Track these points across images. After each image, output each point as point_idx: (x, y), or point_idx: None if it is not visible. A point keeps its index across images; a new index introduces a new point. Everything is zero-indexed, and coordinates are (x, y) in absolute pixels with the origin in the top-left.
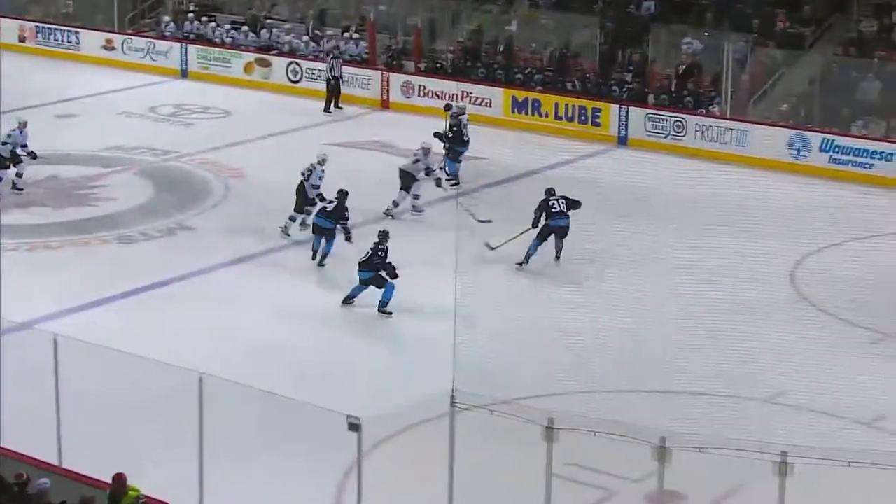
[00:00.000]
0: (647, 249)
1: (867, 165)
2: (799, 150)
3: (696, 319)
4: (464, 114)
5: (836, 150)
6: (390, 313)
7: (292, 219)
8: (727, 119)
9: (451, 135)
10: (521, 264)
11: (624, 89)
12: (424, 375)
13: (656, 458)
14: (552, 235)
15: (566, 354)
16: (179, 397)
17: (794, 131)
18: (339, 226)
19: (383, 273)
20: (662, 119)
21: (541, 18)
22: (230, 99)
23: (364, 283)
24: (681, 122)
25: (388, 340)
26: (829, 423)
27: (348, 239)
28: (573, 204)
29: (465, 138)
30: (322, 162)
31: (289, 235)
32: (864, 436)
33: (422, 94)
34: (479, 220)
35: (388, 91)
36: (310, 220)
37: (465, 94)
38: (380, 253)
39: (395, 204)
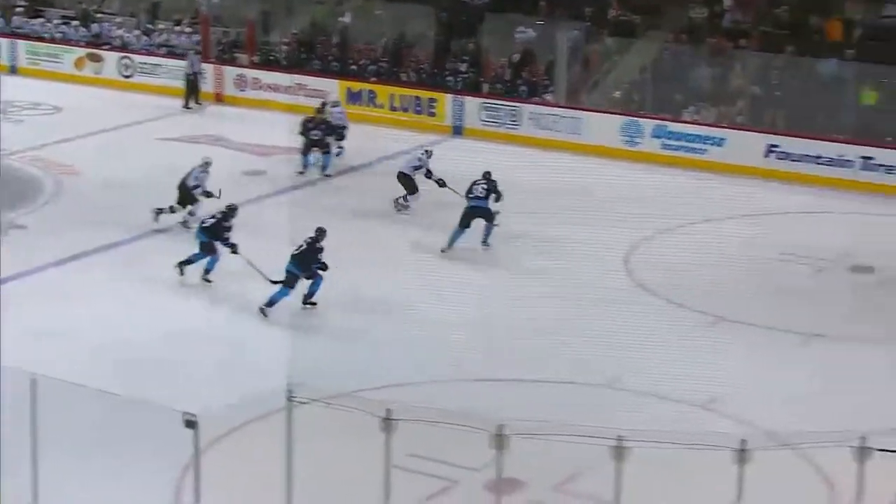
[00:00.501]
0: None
1: (700, 151)
2: (632, 137)
3: (534, 306)
4: (336, 106)
5: (669, 136)
6: (314, 304)
7: (172, 209)
8: (561, 107)
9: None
10: (443, 250)
11: (458, 79)
12: (265, 370)
13: (494, 446)
14: (473, 220)
15: (408, 345)
16: (11, 400)
17: (627, 118)
18: (219, 242)
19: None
20: (497, 108)
21: (375, 10)
22: (61, 95)
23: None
24: (515, 110)
25: (228, 336)
26: (665, 407)
27: (234, 251)
28: (497, 195)
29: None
30: (206, 164)
31: (156, 222)
32: (699, 418)
33: (256, 87)
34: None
35: (221, 84)
36: (193, 221)
37: (299, 86)
38: (313, 250)
39: (405, 206)
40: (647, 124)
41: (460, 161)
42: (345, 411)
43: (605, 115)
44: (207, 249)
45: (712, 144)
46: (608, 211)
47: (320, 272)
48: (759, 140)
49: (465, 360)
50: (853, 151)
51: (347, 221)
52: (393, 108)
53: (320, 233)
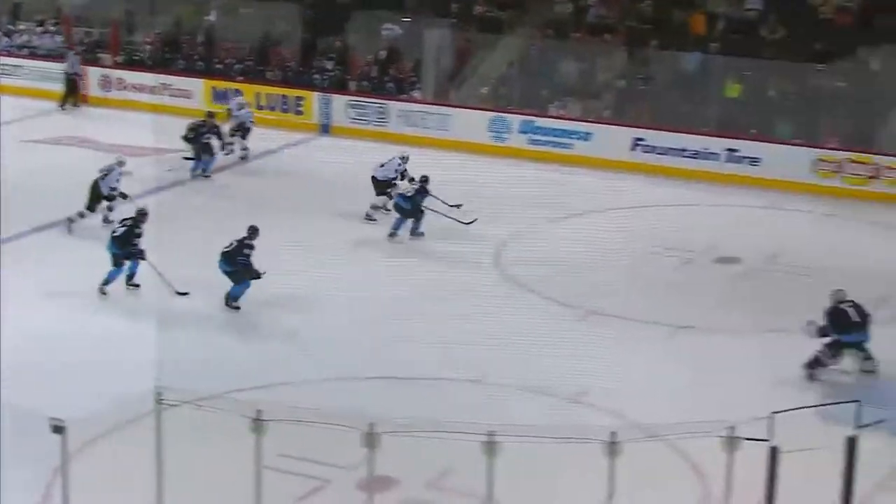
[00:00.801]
0: (359, 236)
1: (566, 146)
2: (500, 133)
3: (405, 303)
4: (243, 108)
5: (536, 131)
6: (237, 308)
7: (81, 215)
8: (429, 104)
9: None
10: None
11: (325, 77)
12: (134, 373)
13: (366, 445)
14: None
15: (280, 345)
16: None
17: (494, 114)
18: (129, 250)
19: (243, 270)
20: (365, 106)
21: (240, 8)
22: None
23: (226, 275)
24: (383, 108)
25: (97, 338)
26: (536, 401)
27: (141, 258)
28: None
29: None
30: (121, 164)
31: (70, 231)
32: (570, 412)
33: (120, 87)
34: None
35: (86, 85)
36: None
37: (164, 86)
38: (245, 250)
39: (376, 207)
40: (515, 120)
41: (328, 160)
42: (215, 413)
43: (473, 111)
44: (121, 262)
45: (579, 139)
46: (477, 207)
47: (251, 279)
48: (625, 134)
49: (337, 359)
50: (718, 144)
51: (219, 222)
52: (259, 107)
53: (252, 231)
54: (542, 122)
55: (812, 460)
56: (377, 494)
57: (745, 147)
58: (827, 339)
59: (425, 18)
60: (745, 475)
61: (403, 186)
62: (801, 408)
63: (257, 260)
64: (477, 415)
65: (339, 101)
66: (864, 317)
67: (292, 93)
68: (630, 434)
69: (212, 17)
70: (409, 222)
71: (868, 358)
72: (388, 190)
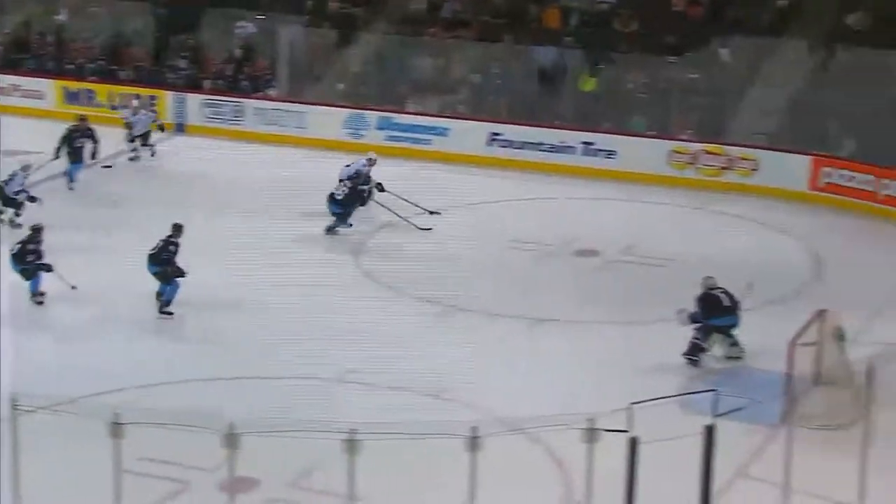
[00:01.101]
0: (212, 235)
1: (424, 142)
2: (357, 130)
3: (263, 301)
4: (137, 113)
5: (393, 127)
6: (171, 314)
7: None
8: (285, 101)
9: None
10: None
11: (179, 75)
12: None
13: (226, 446)
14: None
15: (138, 347)
16: None
17: (351, 111)
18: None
19: (170, 269)
20: (220, 104)
21: (90, 7)
22: None
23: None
24: (239, 106)
25: None
26: (396, 398)
27: (47, 270)
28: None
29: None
30: (25, 169)
31: None
32: (431, 407)
33: None
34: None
35: None
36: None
37: (14, 87)
38: (171, 248)
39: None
40: (372, 116)
41: (184, 159)
42: (72, 418)
43: (330, 108)
44: (29, 275)
45: (436, 135)
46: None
47: (177, 277)
48: (482, 129)
49: (194, 360)
50: (574, 137)
51: (78, 227)
52: (113, 108)
53: (176, 229)
54: (399, 118)
55: (672, 449)
56: (239, 495)
57: (601, 140)
58: (698, 325)
59: (279, 16)
60: (603, 465)
61: (338, 187)
62: (659, 398)
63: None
64: (338, 413)
65: (193, 100)
66: (735, 302)
67: (146, 92)
68: (491, 428)
69: (62, 17)
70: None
71: (734, 344)
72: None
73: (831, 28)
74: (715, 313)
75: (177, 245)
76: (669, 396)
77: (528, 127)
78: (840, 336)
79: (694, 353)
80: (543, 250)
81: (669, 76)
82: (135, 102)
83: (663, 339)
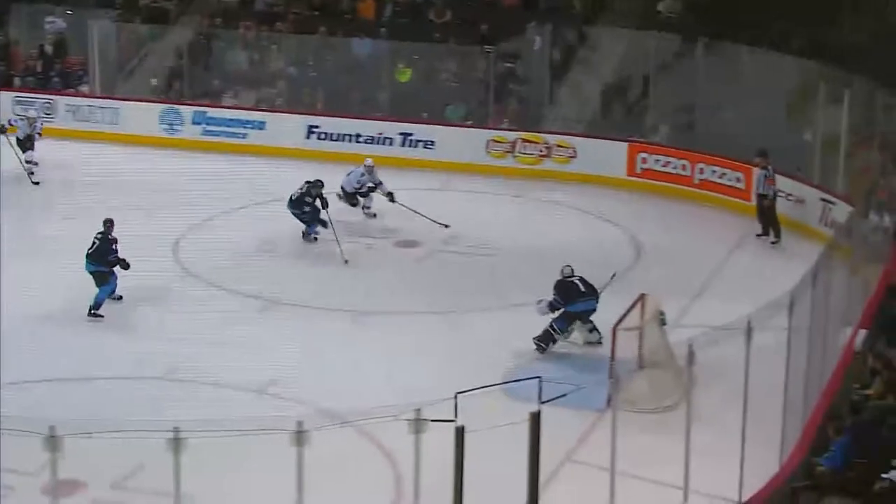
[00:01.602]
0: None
1: (240, 135)
2: (172, 125)
3: (80, 302)
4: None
5: (209, 121)
6: (101, 316)
7: None
8: (97, 97)
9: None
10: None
11: None
12: None
13: (48, 449)
14: None
15: None
16: None
17: (165, 106)
18: None
19: (113, 264)
20: (31, 101)
21: None
22: None
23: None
24: (50, 103)
25: None
26: (222, 395)
27: None
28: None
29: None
30: None
31: None
32: (257, 403)
33: None
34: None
35: None
36: None
37: None
38: (111, 244)
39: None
40: (187, 111)
41: None
42: None
43: (143, 103)
44: None
45: (253, 128)
46: (152, 201)
47: (118, 269)
48: (299, 122)
49: (13, 362)
50: (392, 129)
51: None
52: None
53: (108, 224)
54: (214, 112)
55: (499, 437)
56: (63, 498)
57: (419, 131)
58: (558, 312)
59: (89, 10)
60: (432, 455)
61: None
62: (485, 387)
63: None
64: (162, 412)
65: (3, 98)
66: (591, 288)
67: None
68: (318, 422)
69: None
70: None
71: (593, 329)
72: (354, 201)
73: (643, 15)
74: (573, 299)
75: (115, 240)
76: (495, 385)
77: (346, 119)
78: (661, 320)
79: (545, 340)
80: (365, 242)
81: (485, 66)
82: (18, 109)
83: (488, 328)
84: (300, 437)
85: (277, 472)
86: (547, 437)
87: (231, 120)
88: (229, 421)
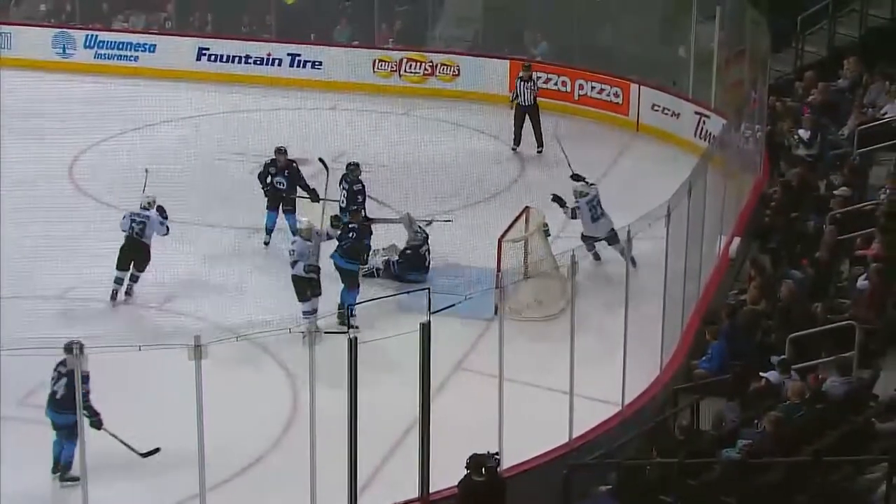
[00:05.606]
0: None
1: (132, 58)
2: (64, 49)
3: None
4: None
5: (101, 45)
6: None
7: None
8: None
9: None
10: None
11: None
12: None
13: None
14: None
15: None
16: None
17: (57, 30)
18: None
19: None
20: None
21: None
22: None
23: None
24: None
25: None
26: (122, 311)
27: None
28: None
29: None
30: None
31: None
32: (155, 318)
33: None
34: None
35: None
36: None
37: None
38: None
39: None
40: (79, 35)
41: None
42: None
43: (35, 27)
44: None
45: (144, 51)
46: (45, 125)
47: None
48: (190, 44)
49: None
50: (281, 50)
51: None
52: None
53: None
54: (105, 35)
55: (391, 348)
56: None
57: (307, 52)
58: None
59: None
60: (325, 367)
61: None
62: (376, 298)
63: None
64: (64, 329)
65: None
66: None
67: None
68: (215, 335)
69: None
70: None
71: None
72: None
73: None
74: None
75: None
76: (386, 296)
77: (235, 41)
78: (545, 231)
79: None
80: (254, 161)
81: None
82: None
83: (375, 238)
84: (198, 350)
85: (177, 385)
86: (438, 346)
87: (122, 43)
88: (128, 336)
